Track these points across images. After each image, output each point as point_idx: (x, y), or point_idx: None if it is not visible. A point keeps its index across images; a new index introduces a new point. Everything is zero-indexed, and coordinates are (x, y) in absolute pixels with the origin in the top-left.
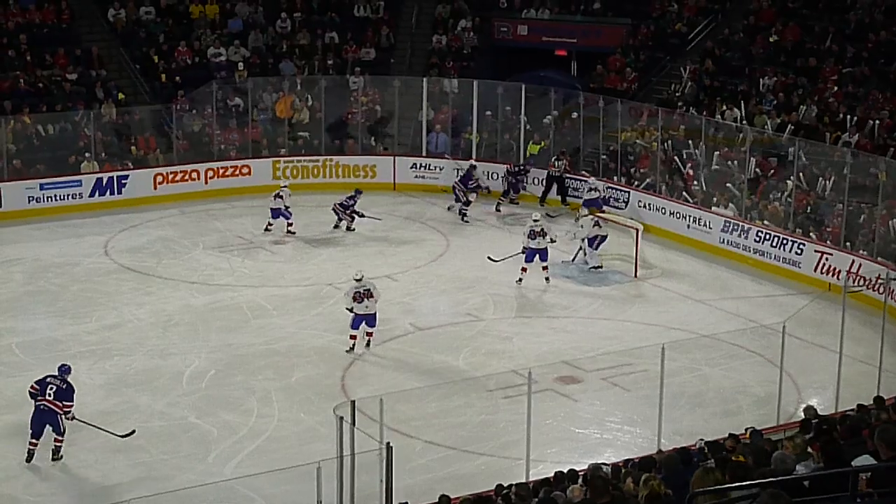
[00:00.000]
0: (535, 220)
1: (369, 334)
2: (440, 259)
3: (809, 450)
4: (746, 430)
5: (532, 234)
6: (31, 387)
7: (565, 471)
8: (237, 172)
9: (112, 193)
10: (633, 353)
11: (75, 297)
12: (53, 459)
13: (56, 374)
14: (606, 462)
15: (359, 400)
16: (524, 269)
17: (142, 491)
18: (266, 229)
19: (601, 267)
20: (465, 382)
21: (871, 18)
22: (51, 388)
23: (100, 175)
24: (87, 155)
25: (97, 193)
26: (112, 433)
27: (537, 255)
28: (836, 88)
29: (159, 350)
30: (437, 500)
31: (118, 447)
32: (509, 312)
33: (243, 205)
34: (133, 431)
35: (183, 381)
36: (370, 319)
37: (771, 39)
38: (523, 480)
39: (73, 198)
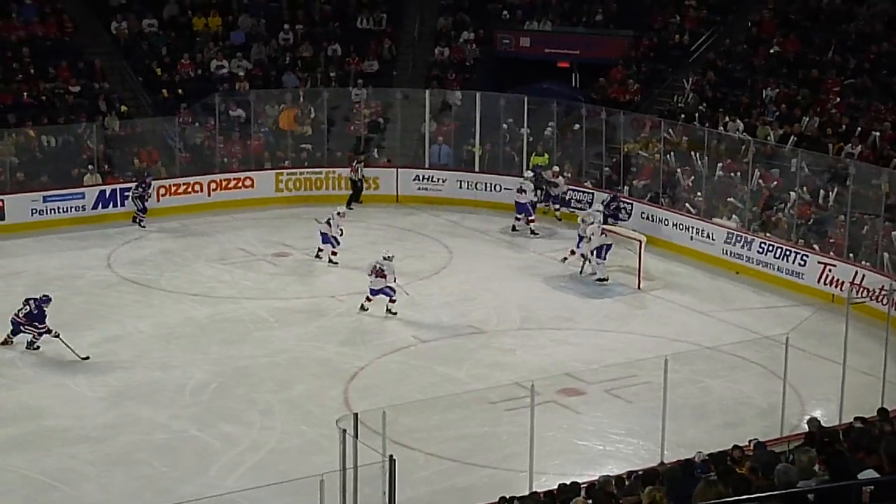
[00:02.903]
0: (525, 178)
1: (391, 301)
2: (443, 271)
3: (816, 467)
4: (750, 441)
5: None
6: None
7: (568, 483)
8: (240, 185)
9: (115, 206)
10: (636, 365)
11: (77, 310)
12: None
13: (37, 297)
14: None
15: (361, 412)
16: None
17: None
18: (316, 256)
19: (607, 279)
20: (467, 395)
21: (871, 30)
22: (24, 310)
23: (102, 188)
24: (90, 167)
25: (100, 206)
26: (74, 351)
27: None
28: (838, 100)
29: (161, 363)
30: None
31: (119, 460)
32: (512, 324)
33: (246, 217)
34: (88, 357)
35: (185, 393)
36: (387, 291)
37: (772, 51)
38: (526, 493)
39: (75, 210)
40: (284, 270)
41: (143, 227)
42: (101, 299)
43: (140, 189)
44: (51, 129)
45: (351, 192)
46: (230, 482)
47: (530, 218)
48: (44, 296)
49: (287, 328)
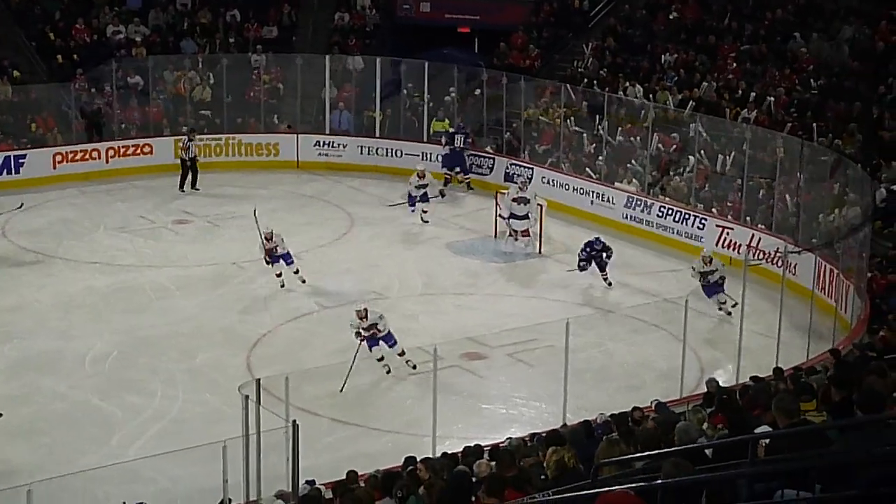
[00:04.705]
0: (421, 169)
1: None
2: (344, 237)
3: (705, 426)
4: (651, 402)
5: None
6: None
7: (471, 446)
8: (138, 151)
9: (9, 173)
10: (538, 329)
11: None
12: None
13: None
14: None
15: (265, 379)
16: (413, 212)
17: (44, 475)
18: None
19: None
20: (370, 360)
21: None
22: None
23: None
24: None
25: None
26: None
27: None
28: (734, 65)
29: (61, 332)
30: (344, 476)
31: (19, 431)
32: (414, 290)
33: (145, 185)
34: (1, 415)
35: (85, 363)
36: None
37: (671, 17)
38: (429, 456)
39: None
40: (186, 238)
41: None
42: None
43: None
44: None
45: (181, 171)
46: (132, 451)
47: (423, 208)
48: None
49: (189, 296)
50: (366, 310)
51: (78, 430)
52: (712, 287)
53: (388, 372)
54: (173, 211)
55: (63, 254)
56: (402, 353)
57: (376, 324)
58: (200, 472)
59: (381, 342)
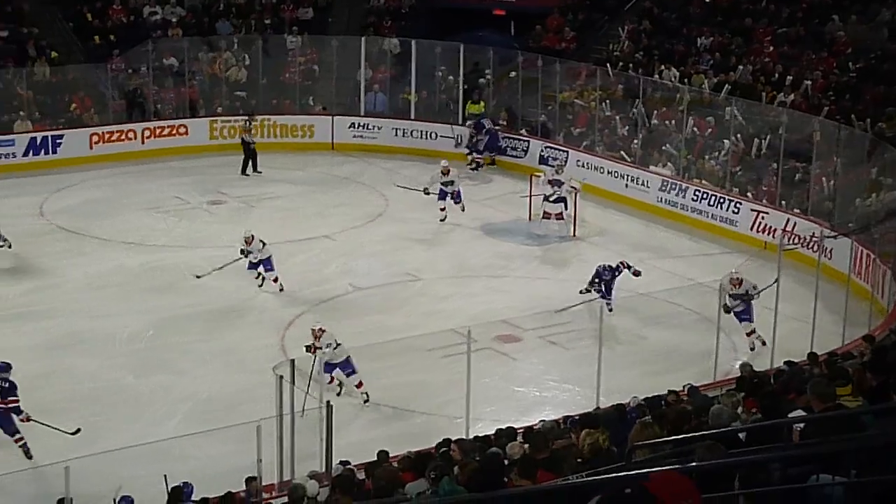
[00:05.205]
0: (445, 164)
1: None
2: (378, 219)
3: (740, 410)
4: (684, 387)
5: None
6: None
7: (504, 428)
8: (174, 132)
9: (46, 153)
10: (571, 312)
11: (8, 258)
12: (29, 458)
13: None
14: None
15: (298, 359)
16: (442, 209)
17: (76, 453)
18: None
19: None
20: (403, 342)
21: None
22: None
23: (33, 134)
24: (21, 114)
25: (31, 153)
26: (63, 431)
27: (449, 195)
28: (771, 48)
29: (93, 311)
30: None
31: (49, 409)
32: (447, 272)
33: (180, 165)
34: (79, 430)
35: (117, 342)
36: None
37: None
38: (463, 438)
39: (6, 157)
40: (220, 218)
41: None
42: (32, 248)
43: None
44: None
45: (244, 155)
46: (163, 431)
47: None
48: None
49: (222, 276)
50: (321, 329)
51: (109, 408)
52: (740, 314)
53: (366, 402)
54: (208, 191)
55: (97, 233)
56: (359, 385)
57: (332, 345)
58: (233, 451)
59: (338, 369)
